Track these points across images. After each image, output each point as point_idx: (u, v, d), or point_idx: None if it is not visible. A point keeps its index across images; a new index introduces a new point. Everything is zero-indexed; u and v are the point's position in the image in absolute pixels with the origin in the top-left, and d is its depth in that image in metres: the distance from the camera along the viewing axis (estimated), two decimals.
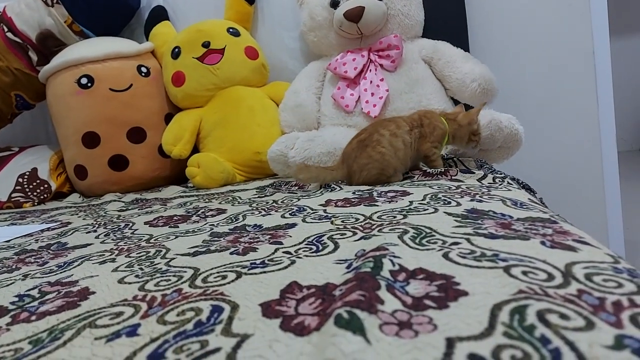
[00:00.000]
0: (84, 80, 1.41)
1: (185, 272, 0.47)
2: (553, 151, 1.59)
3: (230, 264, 0.48)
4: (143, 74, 1.47)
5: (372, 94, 1.28)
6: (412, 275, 0.38)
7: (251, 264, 0.47)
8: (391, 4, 1.32)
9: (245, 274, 0.44)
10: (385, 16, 1.32)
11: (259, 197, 0.98)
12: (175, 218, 0.84)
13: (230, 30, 1.46)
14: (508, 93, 1.54)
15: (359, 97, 1.30)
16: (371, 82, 1.29)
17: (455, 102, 1.35)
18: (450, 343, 0.27)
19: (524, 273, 0.38)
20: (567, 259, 0.41)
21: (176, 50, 1.44)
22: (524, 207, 0.66)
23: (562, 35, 1.52)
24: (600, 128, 1.57)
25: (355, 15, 1.28)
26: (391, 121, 0.95)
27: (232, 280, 0.42)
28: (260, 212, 0.77)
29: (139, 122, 1.44)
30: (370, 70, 1.30)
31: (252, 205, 0.87)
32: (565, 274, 0.38)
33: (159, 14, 1.63)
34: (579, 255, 0.43)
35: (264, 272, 0.44)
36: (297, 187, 1.01)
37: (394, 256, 0.42)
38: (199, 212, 0.86)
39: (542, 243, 0.46)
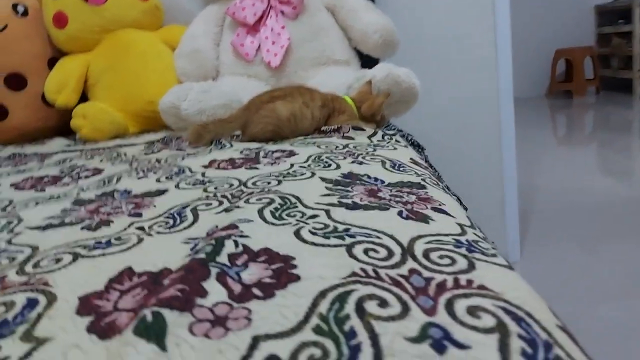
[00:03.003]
0: None
1: (22, 252, 0.43)
2: (453, 101, 1.63)
3: (74, 242, 0.45)
4: (20, 14, 1.32)
5: (273, 43, 1.23)
6: (254, 257, 0.37)
7: (96, 242, 0.44)
8: None
9: (83, 256, 0.41)
10: None
11: (145, 153, 0.93)
12: (45, 180, 0.77)
13: None
14: (409, 44, 1.54)
15: (260, 45, 1.24)
16: (272, 29, 1.24)
17: (359, 53, 1.34)
18: (255, 343, 0.26)
19: (365, 251, 0.38)
20: (414, 232, 0.42)
21: None
22: (401, 169, 0.66)
23: None
24: (498, 77, 1.62)
25: None
26: (309, 91, 0.93)
27: (65, 266, 0.39)
28: (137, 174, 0.73)
29: (17, 67, 1.29)
30: (271, 16, 1.24)
31: (133, 164, 0.82)
32: (405, 251, 0.38)
33: None
34: (428, 228, 0.43)
35: (104, 254, 0.41)
36: (187, 143, 0.96)
37: (242, 236, 0.41)
38: (73, 172, 0.80)
39: (399, 213, 0.47)
